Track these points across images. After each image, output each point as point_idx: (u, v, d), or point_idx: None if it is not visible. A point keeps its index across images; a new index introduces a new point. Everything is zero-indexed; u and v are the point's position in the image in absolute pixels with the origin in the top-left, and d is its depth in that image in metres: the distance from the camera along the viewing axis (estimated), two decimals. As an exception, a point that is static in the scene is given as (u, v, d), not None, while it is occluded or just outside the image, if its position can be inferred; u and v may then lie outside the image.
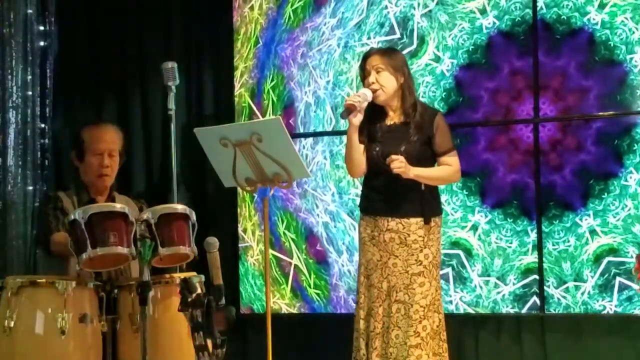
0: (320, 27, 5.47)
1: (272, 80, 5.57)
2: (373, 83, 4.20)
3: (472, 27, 5.12)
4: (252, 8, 5.60)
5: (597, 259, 4.86)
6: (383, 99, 4.23)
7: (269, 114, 5.54)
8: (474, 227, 5.08)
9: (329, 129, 5.43)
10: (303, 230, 5.50)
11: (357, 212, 5.25)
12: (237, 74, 5.63)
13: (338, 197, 5.43)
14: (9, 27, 5.41)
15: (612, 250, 4.85)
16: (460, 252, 5.11)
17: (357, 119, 4.17)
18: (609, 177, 4.88)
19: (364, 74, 4.28)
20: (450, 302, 5.09)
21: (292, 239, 5.51)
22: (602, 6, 4.86)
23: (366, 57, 4.31)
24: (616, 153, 4.88)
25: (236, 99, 5.63)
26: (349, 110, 4.14)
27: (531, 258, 4.98)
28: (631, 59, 4.82)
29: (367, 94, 4.18)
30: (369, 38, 5.31)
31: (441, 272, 4.41)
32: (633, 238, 4.81)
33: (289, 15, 5.55)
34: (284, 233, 5.52)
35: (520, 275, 5.00)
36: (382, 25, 5.28)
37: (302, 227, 5.50)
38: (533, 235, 4.99)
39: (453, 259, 5.11)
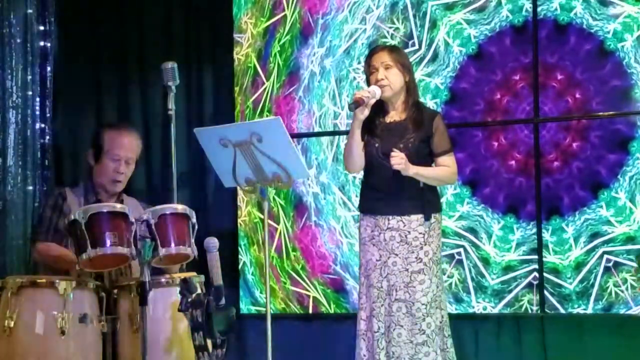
0: (310, 58, 5.48)
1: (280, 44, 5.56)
2: (382, 79, 4.21)
3: (462, 39, 5.14)
4: (240, 46, 5.60)
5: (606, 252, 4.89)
6: (389, 95, 4.24)
7: (274, 77, 5.52)
8: (489, 235, 5.07)
9: (331, 101, 5.41)
10: (292, 198, 5.49)
11: (348, 187, 5.28)
12: (248, 34, 5.59)
13: (331, 169, 5.44)
14: (9, 27, 5.41)
15: (631, 238, 4.84)
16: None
17: (363, 114, 4.18)
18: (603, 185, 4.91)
19: (369, 70, 4.29)
20: (474, 313, 5.12)
21: (281, 205, 5.50)
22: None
23: (372, 53, 4.32)
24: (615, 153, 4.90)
25: (242, 59, 5.60)
26: (357, 104, 4.14)
27: (533, 257, 5.01)
28: (625, 47, 4.84)
29: (377, 91, 4.19)
30: (359, 63, 5.32)
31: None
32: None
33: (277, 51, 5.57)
34: (274, 198, 5.51)
35: (520, 275, 5.03)
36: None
37: (292, 194, 5.49)
38: (534, 236, 5.02)
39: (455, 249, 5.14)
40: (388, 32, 5.25)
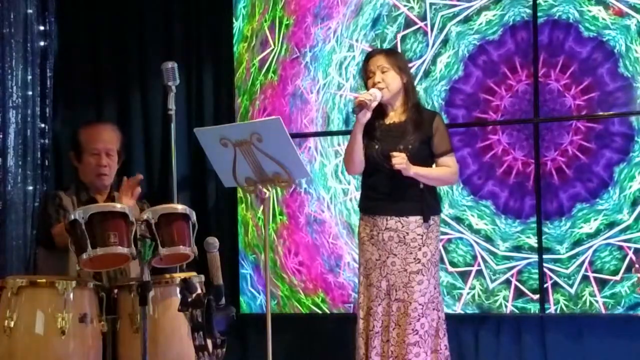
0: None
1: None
2: (379, 82, 4.22)
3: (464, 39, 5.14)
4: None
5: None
6: (387, 98, 4.25)
7: (281, 41, 5.51)
8: (504, 241, 5.08)
9: (337, 71, 5.40)
10: None
11: (341, 159, 5.25)
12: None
13: (323, 144, 5.44)
14: (9, 27, 5.40)
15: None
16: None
17: (366, 117, 4.19)
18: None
19: (367, 74, 4.30)
20: (474, 313, 5.13)
21: None
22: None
23: (369, 57, 4.33)
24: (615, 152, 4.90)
25: (252, 22, 5.61)
26: (360, 107, 4.15)
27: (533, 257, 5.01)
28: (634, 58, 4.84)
29: (377, 94, 4.20)
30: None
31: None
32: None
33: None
34: None
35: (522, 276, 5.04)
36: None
37: None
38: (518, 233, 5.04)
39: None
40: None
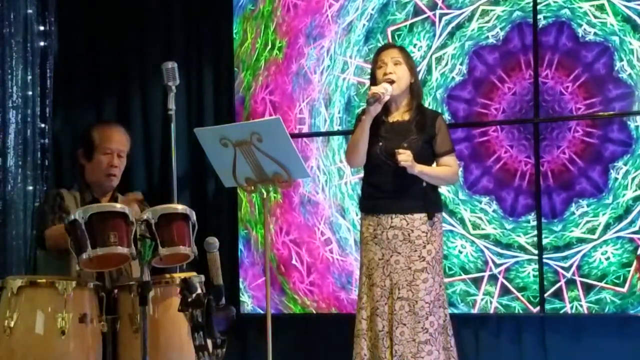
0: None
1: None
2: (390, 73, 4.22)
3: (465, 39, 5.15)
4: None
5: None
6: (396, 93, 4.25)
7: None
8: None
9: (342, 54, 5.40)
10: None
11: (339, 141, 5.27)
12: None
13: (325, 162, 5.44)
14: (9, 27, 5.40)
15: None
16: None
17: (377, 110, 4.20)
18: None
19: (377, 65, 4.29)
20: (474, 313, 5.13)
21: None
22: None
23: (382, 50, 4.35)
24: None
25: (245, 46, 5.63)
26: (374, 99, 4.15)
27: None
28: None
29: (389, 88, 4.21)
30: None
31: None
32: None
33: None
34: None
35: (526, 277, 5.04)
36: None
37: None
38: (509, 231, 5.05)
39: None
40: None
